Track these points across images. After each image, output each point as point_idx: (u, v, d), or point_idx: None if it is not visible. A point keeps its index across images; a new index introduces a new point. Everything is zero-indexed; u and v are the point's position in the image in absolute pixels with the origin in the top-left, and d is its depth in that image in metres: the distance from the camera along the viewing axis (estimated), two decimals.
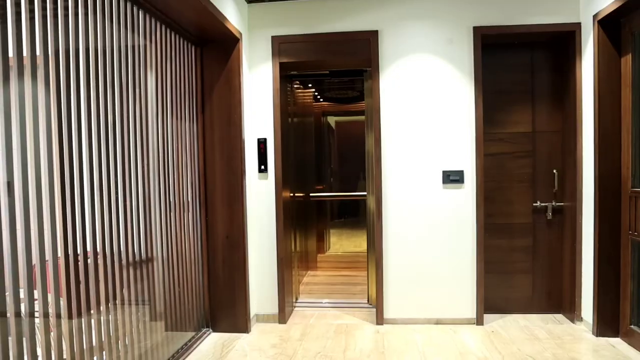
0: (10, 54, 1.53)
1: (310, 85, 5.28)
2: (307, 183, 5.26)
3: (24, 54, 1.58)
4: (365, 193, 3.95)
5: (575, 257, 3.29)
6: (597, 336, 3.01)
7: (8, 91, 1.54)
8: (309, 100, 5.40)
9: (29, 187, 1.60)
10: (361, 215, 4.07)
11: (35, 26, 1.63)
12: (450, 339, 3.09)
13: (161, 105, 2.66)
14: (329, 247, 5.79)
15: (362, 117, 3.86)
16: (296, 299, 4.11)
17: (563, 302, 3.49)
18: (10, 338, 1.52)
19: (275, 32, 3.49)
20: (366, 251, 4.03)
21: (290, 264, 3.85)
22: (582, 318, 3.25)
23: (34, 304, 1.61)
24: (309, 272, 5.34)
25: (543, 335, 3.10)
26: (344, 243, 5.88)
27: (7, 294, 1.51)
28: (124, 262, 2.25)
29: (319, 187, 5.62)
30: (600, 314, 3.00)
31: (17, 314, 1.54)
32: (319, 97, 5.64)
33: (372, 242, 3.92)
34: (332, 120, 5.81)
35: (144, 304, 2.47)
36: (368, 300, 4.00)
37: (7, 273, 1.52)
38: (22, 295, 1.57)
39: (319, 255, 5.53)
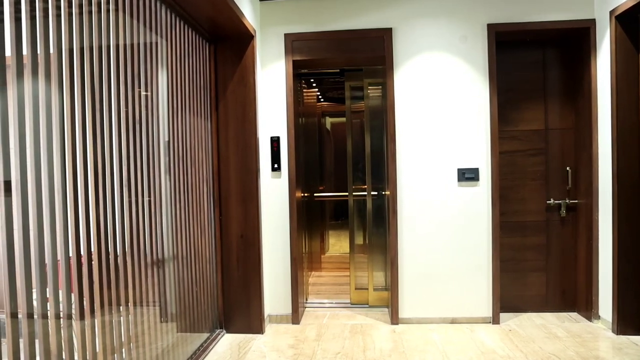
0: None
1: (314, 84, 5.24)
2: (313, 183, 5.22)
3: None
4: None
5: (591, 255, 3.27)
6: (617, 334, 2.99)
7: (33, 90, 1.48)
8: (312, 100, 5.36)
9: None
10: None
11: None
12: (469, 338, 3.05)
13: (180, 103, 2.60)
14: (329, 248, 5.74)
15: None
16: (306, 299, 4.07)
17: (578, 300, 3.47)
18: (21, 340, 1.46)
19: (287, 30, 3.45)
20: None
21: (302, 264, 3.81)
22: (599, 316, 3.23)
23: (47, 304, 1.55)
24: (313, 272, 5.30)
25: (562, 333, 3.08)
26: (343, 244, 5.83)
27: (19, 294, 1.45)
28: (137, 262, 2.18)
29: (320, 187, 5.58)
30: (620, 312, 2.98)
31: (30, 315, 1.47)
32: (320, 97, 5.59)
33: (354, 243, 4.07)
34: (332, 120, 5.74)
35: (158, 305, 2.40)
36: (350, 301, 3.98)
37: (18, 273, 1.44)
38: (34, 296, 1.50)
39: (321, 256, 5.49)
